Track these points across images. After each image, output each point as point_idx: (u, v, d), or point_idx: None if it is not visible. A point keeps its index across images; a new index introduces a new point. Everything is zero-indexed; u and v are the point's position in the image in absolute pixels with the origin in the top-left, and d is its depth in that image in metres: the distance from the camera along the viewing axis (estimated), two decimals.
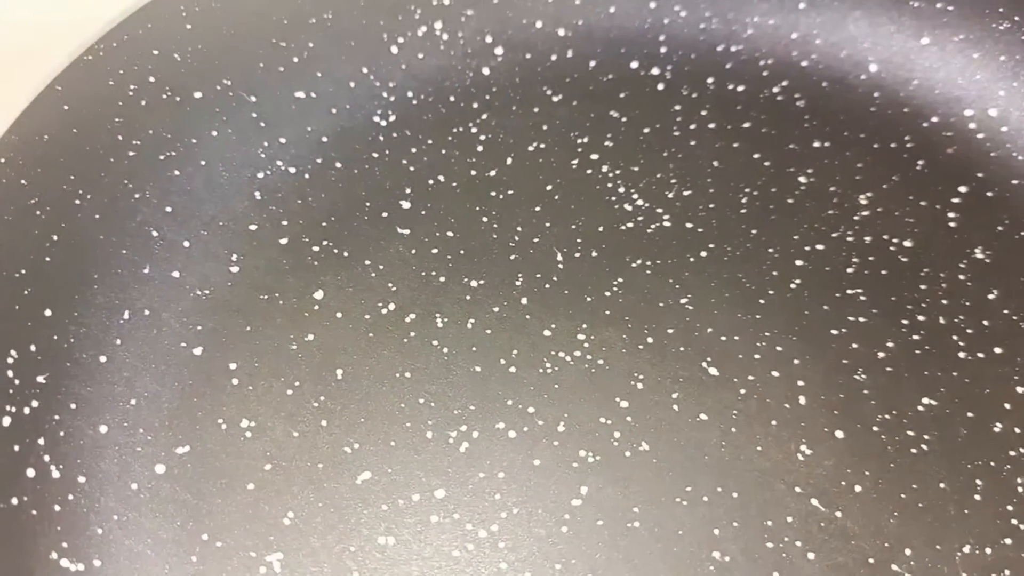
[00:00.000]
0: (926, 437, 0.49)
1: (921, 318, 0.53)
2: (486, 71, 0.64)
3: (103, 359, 0.50)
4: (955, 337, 0.52)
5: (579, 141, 0.61)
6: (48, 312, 0.48)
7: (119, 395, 0.50)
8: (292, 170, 0.59)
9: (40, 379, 0.47)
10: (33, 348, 0.47)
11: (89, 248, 0.51)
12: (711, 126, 0.61)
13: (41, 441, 0.46)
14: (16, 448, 0.45)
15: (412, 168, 0.60)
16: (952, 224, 0.57)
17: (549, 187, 0.58)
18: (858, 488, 0.47)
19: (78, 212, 0.51)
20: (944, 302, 0.53)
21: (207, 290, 0.54)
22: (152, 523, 0.47)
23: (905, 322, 0.53)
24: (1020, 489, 0.47)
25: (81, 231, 0.51)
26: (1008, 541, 0.46)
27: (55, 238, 0.49)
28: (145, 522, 0.47)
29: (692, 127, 0.61)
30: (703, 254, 0.55)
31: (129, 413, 0.50)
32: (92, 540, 0.46)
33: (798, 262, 0.55)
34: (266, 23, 0.59)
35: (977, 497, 0.47)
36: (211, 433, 0.49)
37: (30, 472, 0.45)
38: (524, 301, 0.53)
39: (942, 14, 0.63)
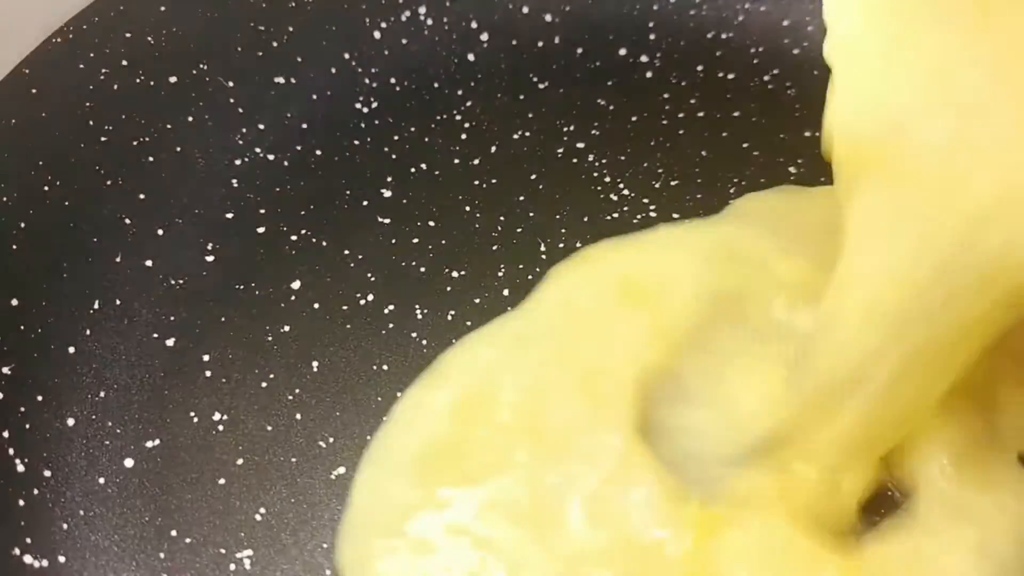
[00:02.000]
0: None
1: None
2: (471, 57, 0.63)
3: (71, 350, 0.49)
4: None
5: (565, 129, 0.59)
6: (15, 302, 0.47)
7: (87, 387, 0.49)
8: (271, 157, 0.58)
9: (6, 370, 0.46)
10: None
11: (58, 236, 0.50)
12: (700, 115, 0.60)
13: (6, 433, 0.45)
14: None
15: (394, 156, 0.58)
16: None
17: (534, 176, 0.57)
18: None
19: (46, 199, 0.49)
20: None
21: (181, 279, 0.53)
22: (119, 518, 0.45)
23: None
24: None
25: (50, 219, 0.49)
26: None
27: (22, 225, 0.48)
28: (112, 517, 0.45)
29: (680, 116, 0.60)
30: None
31: (97, 405, 0.48)
32: (57, 536, 0.44)
33: None
34: (244, 6, 0.58)
35: None
36: (182, 426, 0.48)
37: None
38: (506, 292, 0.52)
39: None
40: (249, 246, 0.54)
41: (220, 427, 0.48)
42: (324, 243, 0.55)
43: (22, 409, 0.46)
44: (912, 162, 0.36)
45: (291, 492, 0.46)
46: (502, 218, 0.55)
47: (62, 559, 0.44)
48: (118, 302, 0.51)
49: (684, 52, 0.63)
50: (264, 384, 0.49)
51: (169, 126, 0.55)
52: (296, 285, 0.53)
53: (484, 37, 0.63)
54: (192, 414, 0.48)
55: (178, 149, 0.55)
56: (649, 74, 0.62)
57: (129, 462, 0.47)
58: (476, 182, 0.57)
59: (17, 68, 0.48)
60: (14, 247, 0.48)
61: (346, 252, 0.54)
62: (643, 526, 0.42)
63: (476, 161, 0.58)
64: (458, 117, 0.60)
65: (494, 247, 0.54)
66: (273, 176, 0.57)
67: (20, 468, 0.45)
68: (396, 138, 0.59)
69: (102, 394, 0.49)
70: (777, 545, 0.41)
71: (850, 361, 0.40)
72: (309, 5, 0.59)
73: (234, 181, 0.57)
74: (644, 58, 0.63)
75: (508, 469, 0.45)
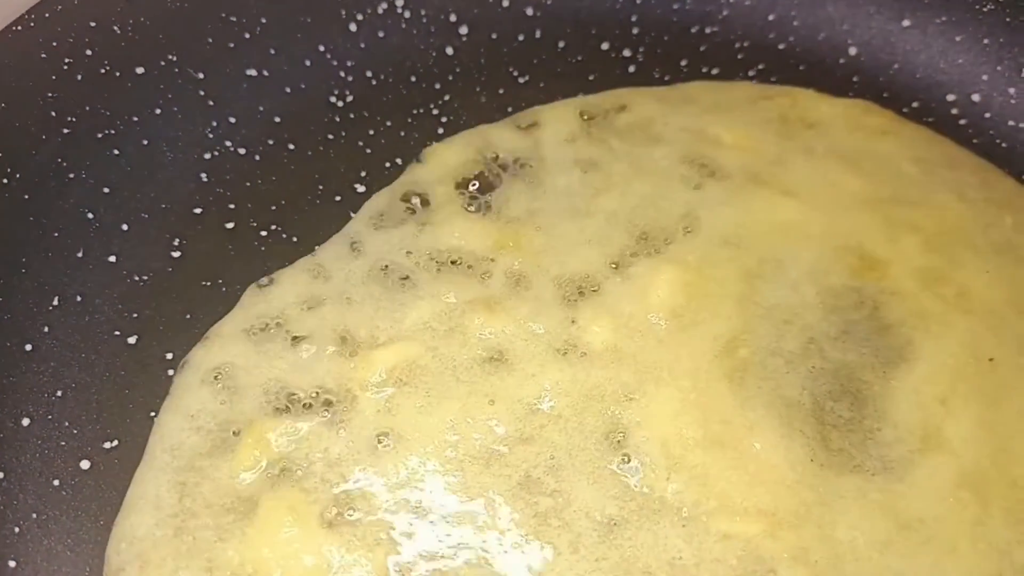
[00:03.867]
0: None
1: None
2: (449, 51, 0.61)
3: (28, 347, 0.47)
4: None
5: None
6: None
7: (44, 386, 0.47)
8: (242, 151, 0.56)
9: None
10: None
11: (17, 230, 0.48)
12: None
13: None
14: None
15: (369, 151, 0.57)
16: None
17: None
18: None
19: (5, 192, 0.48)
20: None
21: (145, 276, 0.51)
22: (74, 522, 0.44)
23: None
24: None
25: (8, 212, 0.48)
26: None
27: None
28: (66, 520, 0.44)
29: None
30: None
31: (54, 405, 0.47)
32: (8, 539, 0.43)
33: None
34: None
35: None
36: (142, 427, 0.46)
37: None
38: None
39: None
40: (218, 242, 0.53)
41: None
42: (295, 239, 0.53)
43: None
44: None
45: None
46: None
47: (12, 564, 0.42)
48: (79, 299, 0.49)
49: (668, 47, 0.62)
50: None
51: (136, 118, 0.53)
52: (265, 282, 0.51)
53: (463, 31, 0.62)
54: (153, 415, 0.47)
55: (145, 142, 0.54)
56: (632, 68, 0.61)
57: (85, 464, 0.46)
58: None
59: None
60: None
61: (317, 248, 0.53)
62: None
63: None
64: (435, 111, 0.59)
65: None
66: (244, 170, 0.56)
67: None
68: (371, 132, 0.58)
69: (59, 393, 0.47)
70: None
71: None
72: None
73: (203, 175, 0.55)
74: (627, 52, 0.62)
75: None
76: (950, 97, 0.60)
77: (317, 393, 0.47)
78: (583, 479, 0.45)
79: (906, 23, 0.61)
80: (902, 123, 0.59)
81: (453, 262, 0.52)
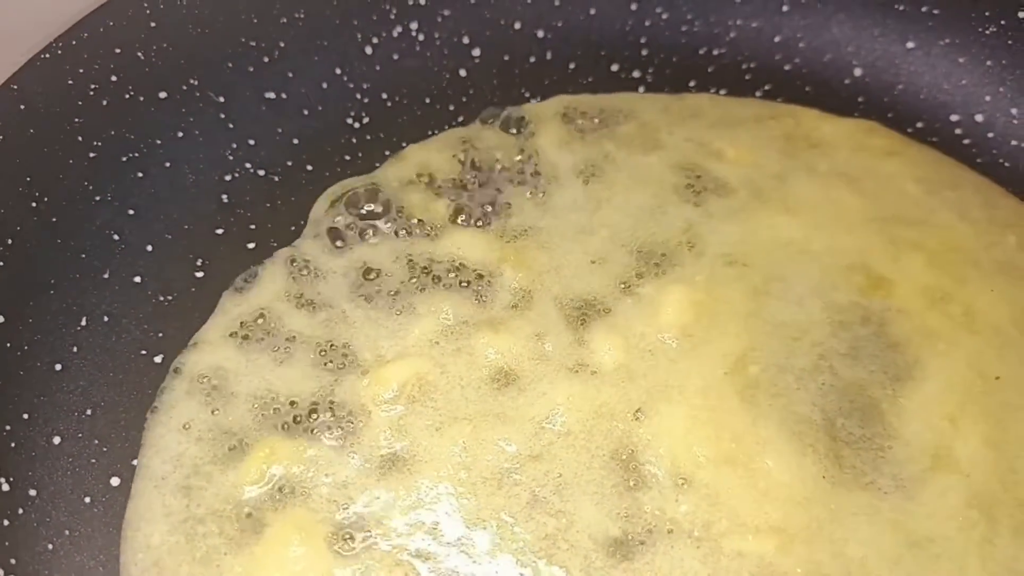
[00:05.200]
0: None
1: None
2: (463, 72, 0.63)
3: (58, 367, 0.48)
4: None
5: None
6: (1, 318, 0.47)
7: (74, 404, 0.48)
8: (261, 173, 0.58)
9: None
10: None
11: (45, 252, 0.49)
12: None
13: None
14: None
15: None
16: None
17: None
18: None
19: (34, 215, 0.49)
20: None
21: (170, 295, 0.53)
22: (106, 538, 0.45)
23: None
24: None
25: (37, 235, 0.49)
26: None
27: (9, 242, 0.48)
28: (99, 537, 0.45)
29: None
30: None
31: (84, 423, 0.48)
32: (42, 556, 0.44)
33: None
34: (235, 21, 0.57)
35: None
36: None
37: None
38: None
39: (928, 17, 0.62)
40: (239, 262, 0.54)
41: None
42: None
43: (7, 427, 0.46)
44: None
45: None
46: None
47: None
48: (106, 319, 0.51)
49: (676, 67, 0.63)
50: None
51: (159, 141, 0.55)
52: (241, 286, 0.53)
53: (476, 52, 0.63)
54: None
55: (167, 164, 0.55)
56: (641, 89, 0.62)
57: (116, 480, 0.47)
58: None
59: (5, 84, 0.48)
60: (1, 264, 0.47)
61: (320, 260, 0.54)
62: None
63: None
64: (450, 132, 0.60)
65: None
66: (263, 191, 0.57)
67: (5, 487, 0.44)
68: (387, 153, 0.59)
69: (89, 412, 0.48)
70: None
71: None
72: (300, 20, 0.59)
73: (224, 196, 0.56)
74: (636, 73, 0.63)
75: None
76: (954, 117, 0.61)
77: (328, 408, 0.48)
78: (587, 498, 0.45)
79: (910, 45, 0.62)
80: (906, 143, 0.60)
81: (459, 279, 0.53)
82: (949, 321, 0.51)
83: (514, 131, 0.60)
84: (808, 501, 0.45)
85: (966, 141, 0.60)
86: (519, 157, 0.58)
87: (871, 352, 0.50)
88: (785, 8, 0.64)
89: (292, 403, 0.49)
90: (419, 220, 0.55)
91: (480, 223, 0.55)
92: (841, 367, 0.49)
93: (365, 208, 0.56)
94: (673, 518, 0.45)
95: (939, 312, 0.52)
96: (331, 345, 0.51)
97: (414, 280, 0.53)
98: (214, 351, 0.51)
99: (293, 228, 0.56)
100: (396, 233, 0.55)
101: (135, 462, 0.47)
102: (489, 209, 0.56)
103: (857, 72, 0.63)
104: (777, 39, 0.64)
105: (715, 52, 0.64)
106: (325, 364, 0.50)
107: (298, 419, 0.48)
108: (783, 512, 0.44)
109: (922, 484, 0.45)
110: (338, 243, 0.54)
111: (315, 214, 0.56)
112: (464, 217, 0.56)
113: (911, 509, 0.45)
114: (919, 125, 0.61)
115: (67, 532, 0.45)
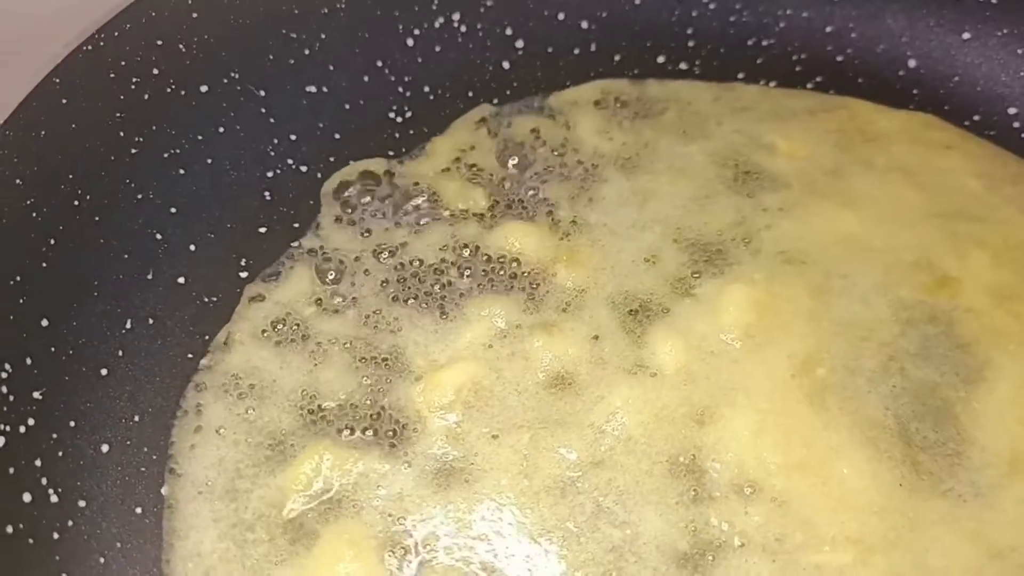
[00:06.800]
0: None
1: None
2: (506, 65, 0.61)
3: (104, 372, 0.47)
4: None
5: None
6: (45, 322, 0.45)
7: (121, 411, 0.47)
8: (303, 169, 0.56)
9: (36, 395, 0.44)
10: (29, 361, 0.44)
11: (89, 252, 0.47)
12: None
13: (38, 462, 0.43)
14: (11, 471, 0.41)
15: None
16: None
17: None
18: None
19: (76, 214, 0.47)
20: None
21: (215, 297, 0.51)
22: (159, 550, 0.43)
23: None
24: None
25: (80, 234, 0.47)
26: None
27: (52, 242, 0.46)
28: (151, 549, 0.43)
29: None
30: None
31: (132, 430, 0.46)
32: (94, 570, 0.42)
33: None
34: (276, 13, 0.55)
35: None
36: None
37: (26, 496, 0.42)
38: None
39: (985, 7, 0.60)
40: (283, 262, 0.52)
41: None
42: None
43: (54, 436, 0.44)
44: None
45: None
46: None
47: None
48: (151, 321, 0.49)
49: (724, 59, 0.62)
50: None
51: (200, 137, 0.53)
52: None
53: (519, 44, 0.61)
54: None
55: (209, 161, 0.53)
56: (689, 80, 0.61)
57: (166, 489, 0.45)
58: None
59: (47, 78, 0.46)
60: (44, 265, 0.45)
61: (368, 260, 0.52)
62: None
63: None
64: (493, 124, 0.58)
65: None
66: (306, 188, 0.55)
67: (54, 499, 0.43)
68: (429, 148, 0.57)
69: (136, 418, 0.47)
70: None
71: None
72: (341, 12, 0.57)
73: (266, 193, 0.55)
74: (683, 65, 0.62)
75: None
76: (1011, 110, 0.59)
77: (378, 413, 0.47)
78: (651, 508, 0.44)
79: (966, 35, 0.61)
80: (964, 137, 0.59)
81: (510, 278, 0.51)
82: (1017, 321, 0.50)
83: (552, 118, 0.58)
84: (885, 510, 0.43)
85: None
86: (559, 146, 0.57)
87: (941, 352, 0.48)
88: None
89: (336, 405, 0.47)
90: (462, 213, 0.54)
91: (524, 217, 0.54)
92: (912, 368, 0.48)
93: (407, 203, 0.54)
94: (743, 531, 0.43)
95: (1006, 312, 0.50)
96: (373, 346, 0.49)
97: (462, 279, 0.51)
98: (246, 351, 0.49)
99: (337, 226, 0.54)
100: (439, 226, 0.53)
101: (178, 469, 0.46)
102: (532, 202, 0.55)
103: (912, 63, 0.61)
104: (828, 29, 0.62)
105: (764, 43, 0.62)
106: (368, 365, 0.48)
107: (346, 426, 0.46)
108: (860, 521, 0.43)
109: (1001, 491, 0.44)
110: (380, 243, 0.53)
111: (348, 213, 0.54)
112: (507, 209, 0.54)
113: (991, 518, 0.43)
114: (976, 118, 0.59)
115: (118, 544, 0.43)
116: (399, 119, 0.58)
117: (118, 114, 0.49)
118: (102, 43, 0.48)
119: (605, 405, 0.47)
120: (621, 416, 0.47)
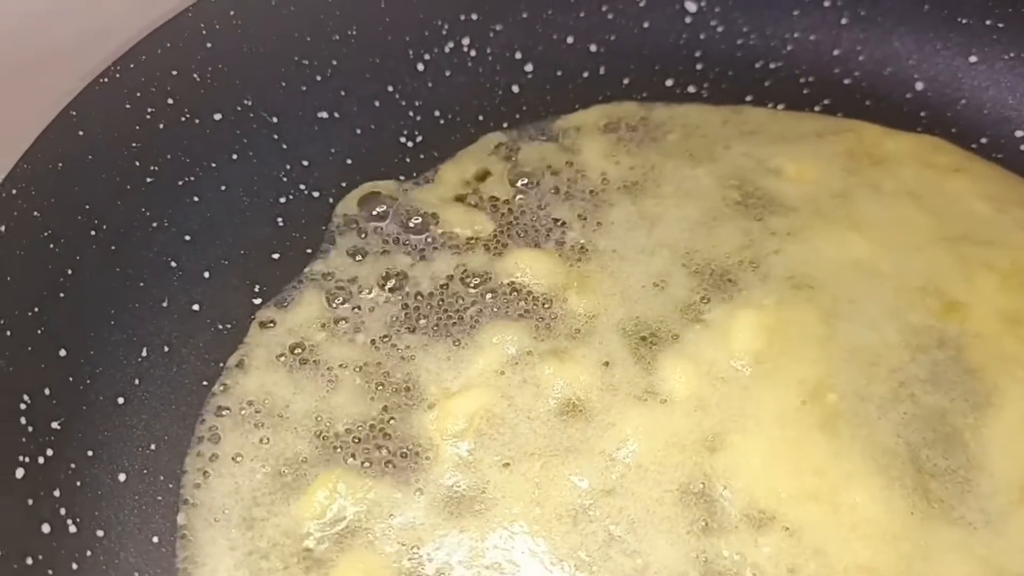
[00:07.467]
0: None
1: None
2: (515, 89, 0.61)
3: (121, 400, 0.47)
4: None
5: None
6: (63, 352, 0.45)
7: (138, 439, 0.47)
8: (315, 194, 0.56)
9: (55, 425, 0.44)
10: (47, 392, 0.44)
11: (105, 282, 0.48)
12: None
13: (57, 493, 0.43)
14: (30, 502, 0.42)
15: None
16: None
17: None
18: None
19: (93, 244, 0.48)
20: None
21: (229, 324, 0.51)
22: None
23: None
24: None
25: (96, 264, 0.48)
26: None
27: (69, 272, 0.46)
28: None
29: None
30: None
31: (149, 458, 0.47)
32: None
33: None
34: (288, 40, 0.56)
35: None
36: None
37: (45, 527, 0.42)
38: None
39: (992, 31, 0.60)
40: (297, 289, 0.53)
41: None
42: None
43: (72, 466, 0.44)
44: None
45: None
46: None
47: None
48: (166, 348, 0.49)
49: (732, 82, 0.62)
50: None
51: (214, 164, 0.53)
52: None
53: (528, 68, 0.62)
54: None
55: (223, 188, 0.54)
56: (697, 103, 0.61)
57: (182, 518, 0.45)
58: None
59: (64, 111, 0.47)
60: (61, 295, 0.46)
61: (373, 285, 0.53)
62: None
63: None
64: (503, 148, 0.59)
65: None
66: (318, 214, 0.56)
67: (72, 529, 0.43)
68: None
69: (153, 447, 0.47)
70: None
71: None
72: (352, 38, 0.58)
73: (279, 219, 0.55)
74: (692, 88, 0.62)
75: None
76: (1018, 133, 0.59)
77: (389, 440, 0.47)
78: (661, 537, 0.44)
79: (973, 59, 0.61)
80: (971, 159, 0.59)
81: (520, 304, 0.52)
82: None
83: (557, 141, 0.59)
84: (897, 538, 0.43)
85: None
86: (565, 170, 0.57)
87: (951, 378, 0.48)
88: (844, 21, 0.62)
89: (348, 432, 0.47)
90: (471, 239, 0.54)
91: (533, 242, 0.54)
92: (922, 394, 0.48)
93: (417, 228, 0.55)
94: (755, 562, 0.43)
95: (1014, 337, 0.50)
96: (385, 372, 0.49)
97: (472, 306, 0.52)
98: (260, 376, 0.49)
99: (347, 251, 0.54)
100: (449, 252, 0.54)
101: (193, 498, 0.46)
102: (541, 227, 0.55)
103: (919, 86, 0.61)
104: (836, 52, 0.62)
105: (772, 66, 0.63)
106: (380, 392, 0.49)
107: (359, 453, 0.47)
108: (873, 550, 0.43)
109: (1011, 517, 0.44)
110: (390, 268, 0.53)
111: (360, 238, 0.55)
112: (516, 235, 0.54)
113: (1002, 545, 0.43)
114: (983, 141, 0.59)
115: (136, 574, 0.43)
116: (410, 143, 0.59)
117: (134, 144, 0.50)
118: (118, 75, 0.49)
119: (616, 432, 0.47)
120: (632, 443, 0.47)
